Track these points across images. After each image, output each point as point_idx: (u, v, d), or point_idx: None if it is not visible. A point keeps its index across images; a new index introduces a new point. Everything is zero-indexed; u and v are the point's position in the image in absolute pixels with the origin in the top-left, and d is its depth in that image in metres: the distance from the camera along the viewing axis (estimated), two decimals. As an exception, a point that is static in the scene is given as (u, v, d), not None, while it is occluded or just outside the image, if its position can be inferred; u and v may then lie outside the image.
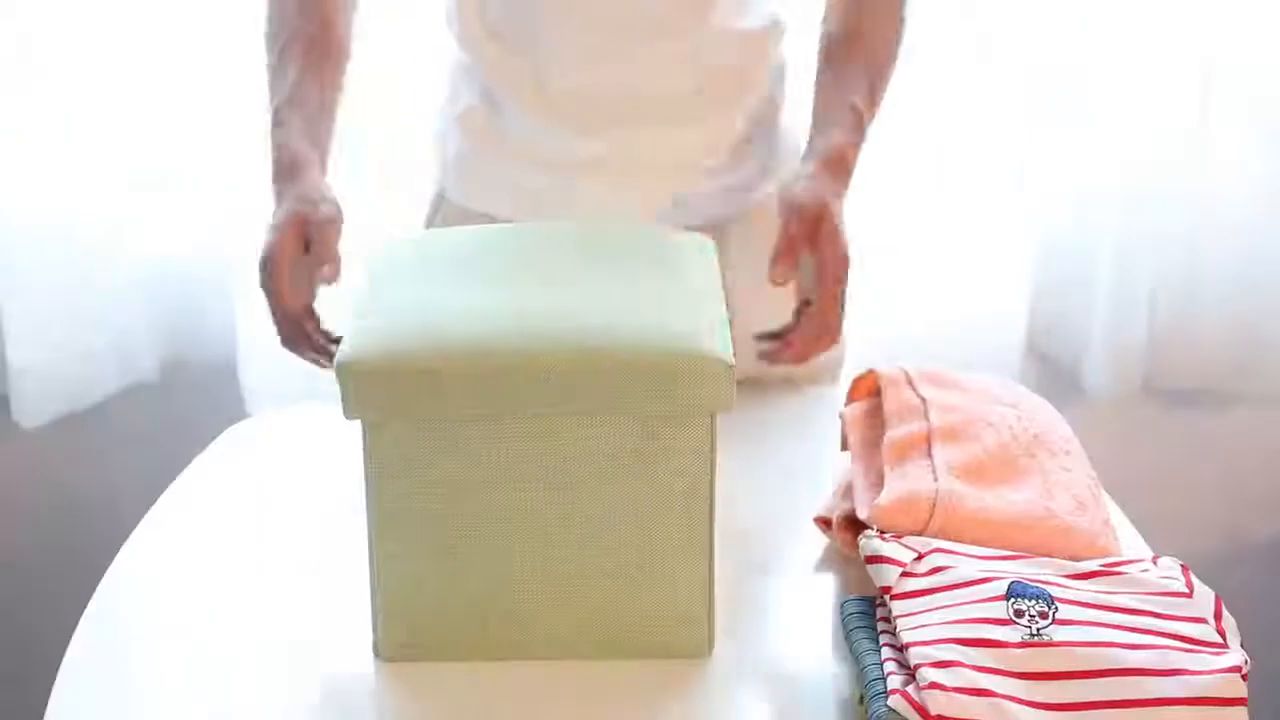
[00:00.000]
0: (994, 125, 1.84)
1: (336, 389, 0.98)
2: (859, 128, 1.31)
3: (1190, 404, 2.01)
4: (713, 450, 1.00)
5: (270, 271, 1.24)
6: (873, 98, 1.33)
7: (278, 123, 1.29)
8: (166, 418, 1.89)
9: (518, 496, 1.00)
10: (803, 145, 1.34)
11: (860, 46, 1.34)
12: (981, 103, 1.83)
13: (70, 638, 1.08)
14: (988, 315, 1.92)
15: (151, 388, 1.89)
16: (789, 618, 1.11)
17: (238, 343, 1.84)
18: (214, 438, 1.37)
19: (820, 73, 1.35)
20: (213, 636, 1.08)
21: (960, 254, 1.89)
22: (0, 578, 1.99)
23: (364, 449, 0.99)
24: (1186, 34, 1.81)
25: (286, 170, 1.27)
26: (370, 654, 1.05)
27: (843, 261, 1.25)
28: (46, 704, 1.01)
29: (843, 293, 1.26)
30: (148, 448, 1.81)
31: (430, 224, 1.47)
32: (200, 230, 1.84)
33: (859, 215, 1.81)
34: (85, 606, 1.12)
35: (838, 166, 1.29)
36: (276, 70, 1.32)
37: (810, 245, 1.25)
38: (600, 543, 1.01)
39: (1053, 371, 1.98)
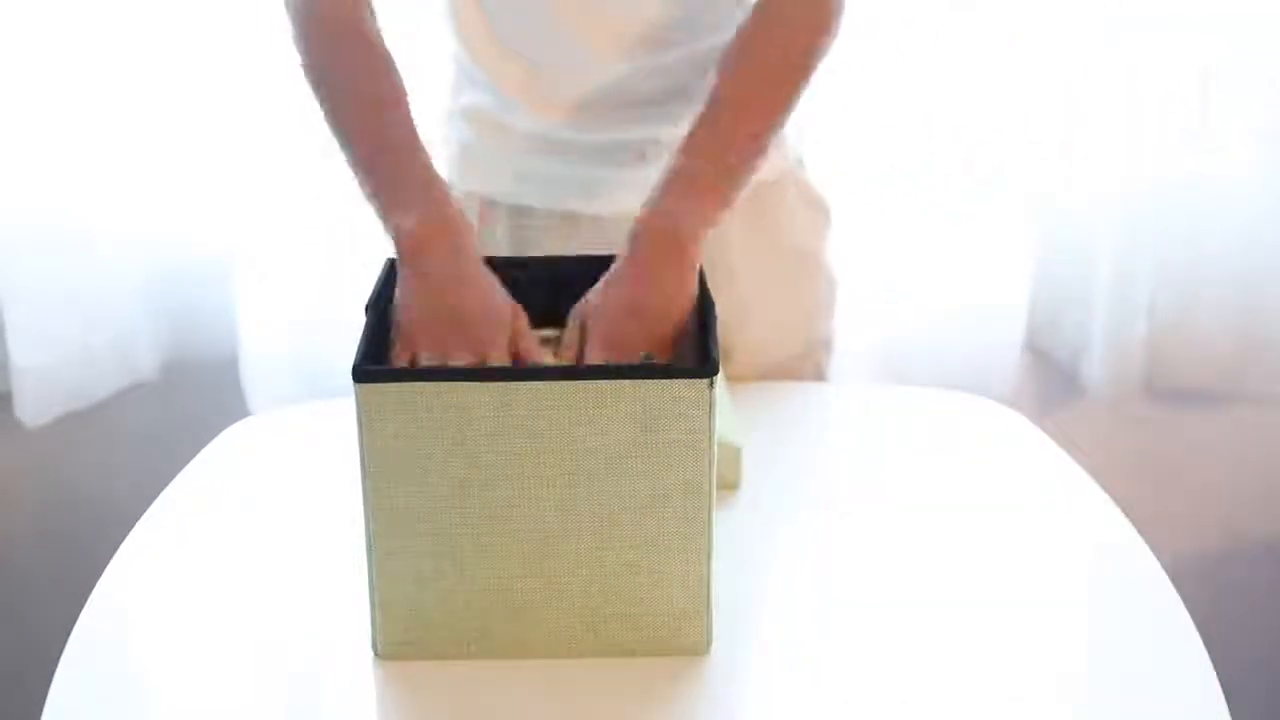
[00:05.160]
0: (995, 124, 1.84)
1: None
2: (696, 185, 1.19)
3: (1190, 404, 2.01)
4: (711, 446, 1.00)
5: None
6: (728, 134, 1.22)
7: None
8: (166, 417, 1.89)
9: (516, 495, 1.00)
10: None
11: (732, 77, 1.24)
12: (982, 101, 1.83)
13: (70, 635, 1.08)
14: (988, 314, 1.92)
15: (152, 387, 1.89)
16: (787, 616, 1.11)
17: (238, 342, 1.84)
18: (214, 438, 1.37)
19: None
20: (211, 634, 1.08)
21: (960, 252, 1.89)
22: (0, 575, 2.00)
23: (362, 448, 0.99)
24: (1186, 35, 1.81)
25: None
26: (369, 652, 1.05)
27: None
28: (45, 701, 1.01)
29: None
30: (148, 447, 1.81)
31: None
32: (201, 230, 1.84)
33: (860, 216, 1.82)
34: (85, 604, 1.12)
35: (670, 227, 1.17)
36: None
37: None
38: (599, 541, 1.01)
39: (1052, 370, 1.99)
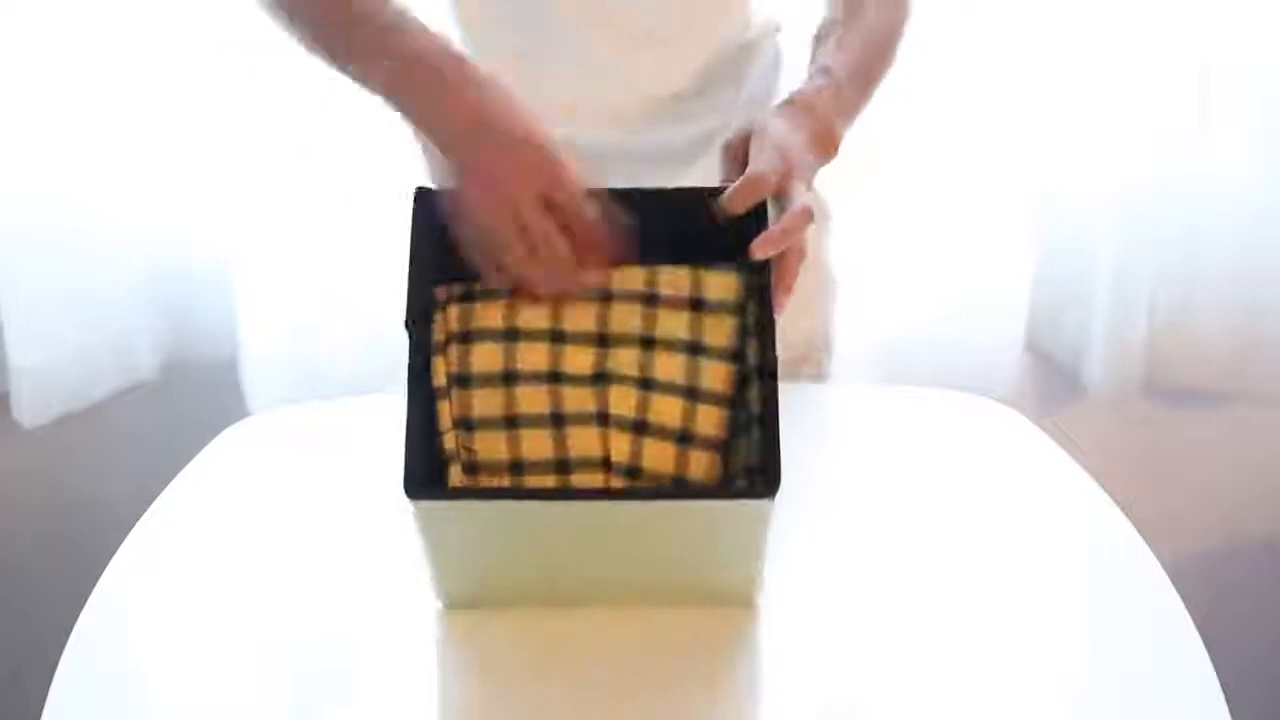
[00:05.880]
0: (994, 124, 1.84)
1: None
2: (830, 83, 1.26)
3: (1190, 404, 2.01)
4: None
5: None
6: (857, 65, 1.29)
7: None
8: (166, 418, 1.89)
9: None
10: None
11: (853, 25, 1.32)
12: (982, 101, 1.83)
13: (69, 636, 1.08)
14: (988, 314, 1.92)
15: (151, 388, 1.89)
16: (785, 616, 1.11)
17: (238, 342, 1.84)
18: (214, 438, 1.37)
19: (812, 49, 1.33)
20: (211, 635, 1.08)
21: (961, 252, 1.90)
22: (0, 575, 2.00)
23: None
24: (1186, 34, 1.81)
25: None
26: (367, 653, 1.05)
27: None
28: (45, 703, 1.01)
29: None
30: (148, 448, 1.81)
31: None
32: (200, 230, 1.84)
33: (860, 215, 1.82)
34: (84, 605, 1.12)
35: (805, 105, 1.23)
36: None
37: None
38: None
39: (1053, 371, 1.99)
